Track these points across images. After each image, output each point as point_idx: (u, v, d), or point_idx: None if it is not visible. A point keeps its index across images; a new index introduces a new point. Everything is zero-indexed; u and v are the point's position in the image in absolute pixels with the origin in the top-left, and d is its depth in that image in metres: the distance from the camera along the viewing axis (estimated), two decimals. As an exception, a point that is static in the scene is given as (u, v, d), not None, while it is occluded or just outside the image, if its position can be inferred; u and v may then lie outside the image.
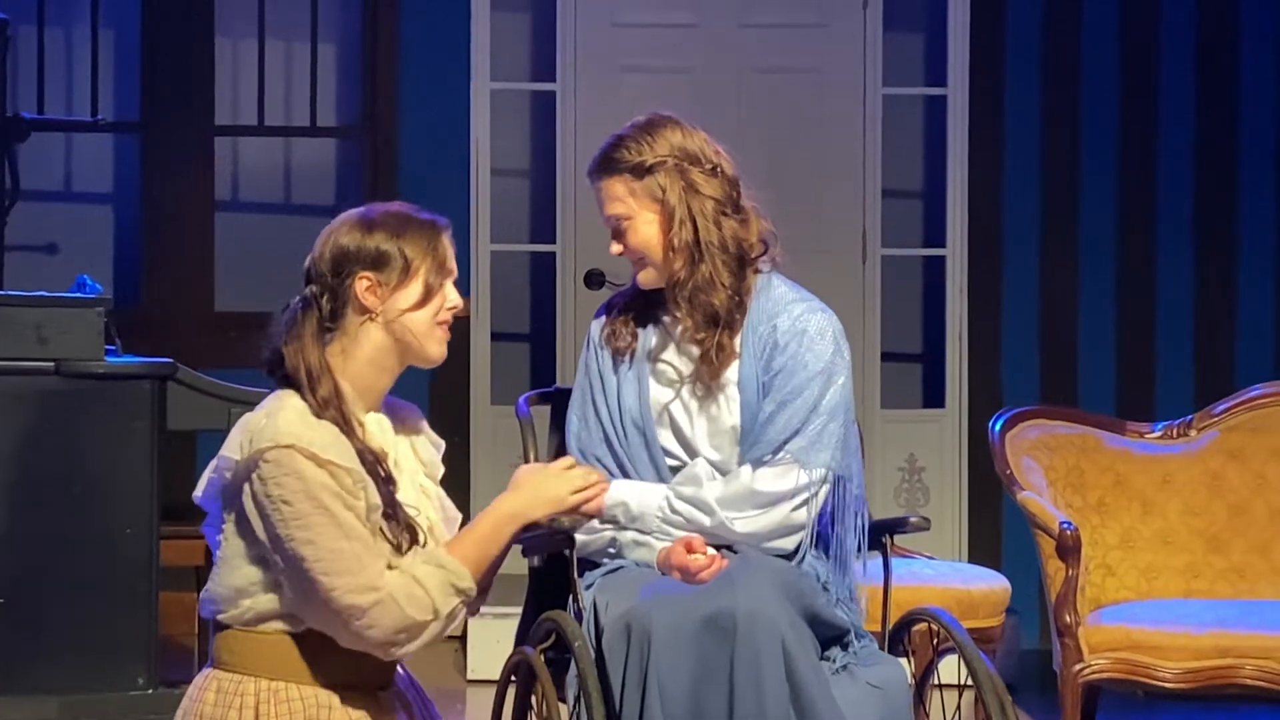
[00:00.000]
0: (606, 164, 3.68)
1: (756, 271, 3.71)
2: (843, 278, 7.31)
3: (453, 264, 3.27)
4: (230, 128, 7.52)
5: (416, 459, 3.32)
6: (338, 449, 3.13)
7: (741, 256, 3.67)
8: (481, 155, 7.41)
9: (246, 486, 3.12)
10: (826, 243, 7.30)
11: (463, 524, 3.38)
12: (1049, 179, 7.45)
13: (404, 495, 3.24)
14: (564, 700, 3.53)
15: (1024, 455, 5.57)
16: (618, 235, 3.69)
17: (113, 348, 5.22)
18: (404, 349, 3.23)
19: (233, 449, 3.15)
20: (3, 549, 5.01)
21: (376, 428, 3.25)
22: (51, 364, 5.07)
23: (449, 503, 3.37)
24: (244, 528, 3.13)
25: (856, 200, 7.43)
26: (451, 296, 3.26)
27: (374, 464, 3.18)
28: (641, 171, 3.65)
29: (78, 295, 5.19)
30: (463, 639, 6.84)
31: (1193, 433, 5.72)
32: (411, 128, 7.43)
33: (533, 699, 3.56)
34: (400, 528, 3.18)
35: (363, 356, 3.22)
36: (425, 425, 3.39)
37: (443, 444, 3.40)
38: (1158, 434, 5.74)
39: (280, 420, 3.13)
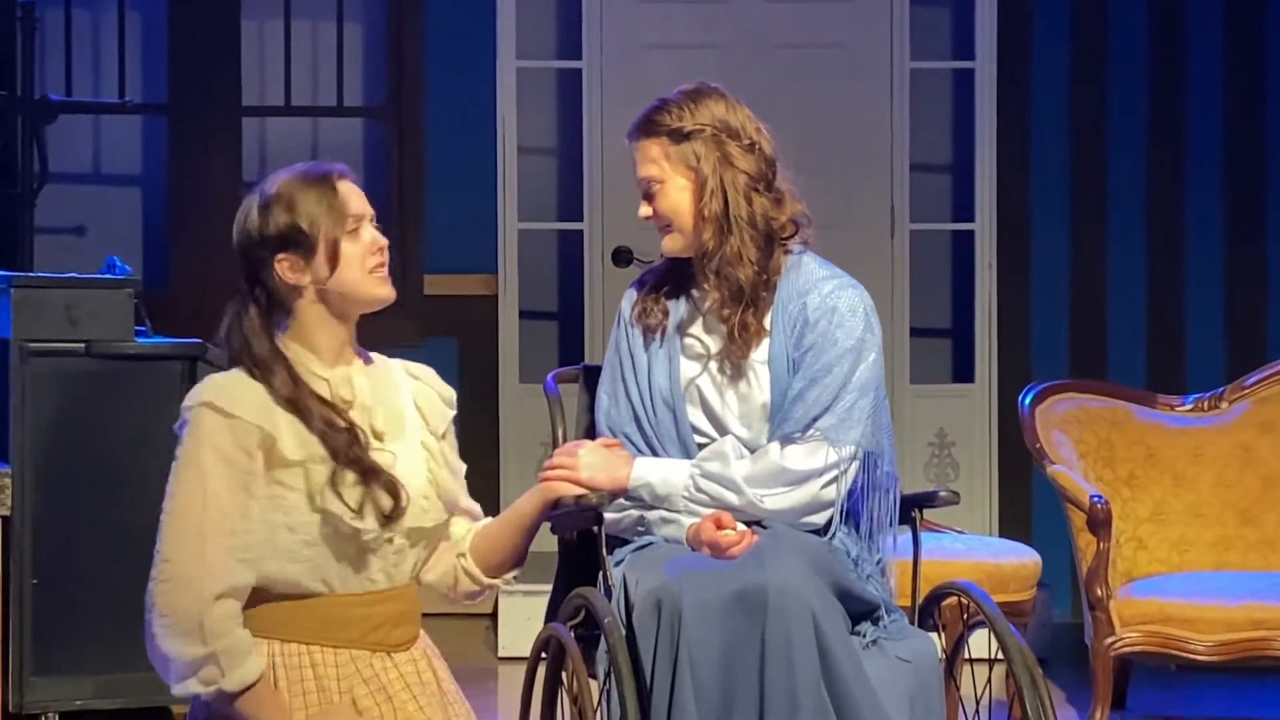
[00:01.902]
0: (646, 125, 3.70)
1: (786, 252, 3.70)
2: (871, 253, 7.30)
3: (356, 206, 3.21)
4: (257, 108, 7.53)
5: (420, 415, 3.31)
6: (253, 406, 3.11)
7: (770, 234, 3.67)
8: (508, 134, 7.40)
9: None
10: (854, 218, 7.29)
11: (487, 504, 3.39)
12: (1077, 152, 7.43)
13: (394, 449, 3.22)
14: (594, 676, 3.53)
15: (1054, 429, 5.56)
16: (648, 197, 3.70)
17: (142, 329, 5.23)
18: (346, 304, 3.20)
19: (179, 423, 3.17)
20: (35, 530, 5.03)
21: (342, 380, 3.22)
22: (82, 345, 5.08)
23: (455, 457, 3.35)
24: None
25: (884, 175, 7.41)
26: (368, 238, 3.20)
27: (331, 427, 3.14)
28: (679, 137, 3.66)
29: (107, 277, 5.21)
30: (493, 616, 6.85)
31: (1224, 405, 5.71)
32: (438, 107, 7.43)
33: (563, 676, 3.57)
34: (378, 486, 3.14)
35: (311, 325, 3.20)
36: (435, 380, 3.36)
37: (452, 395, 3.37)
38: (1188, 407, 5.72)
39: (205, 383, 3.14)
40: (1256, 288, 7.42)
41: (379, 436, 3.20)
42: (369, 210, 3.23)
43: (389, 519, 3.15)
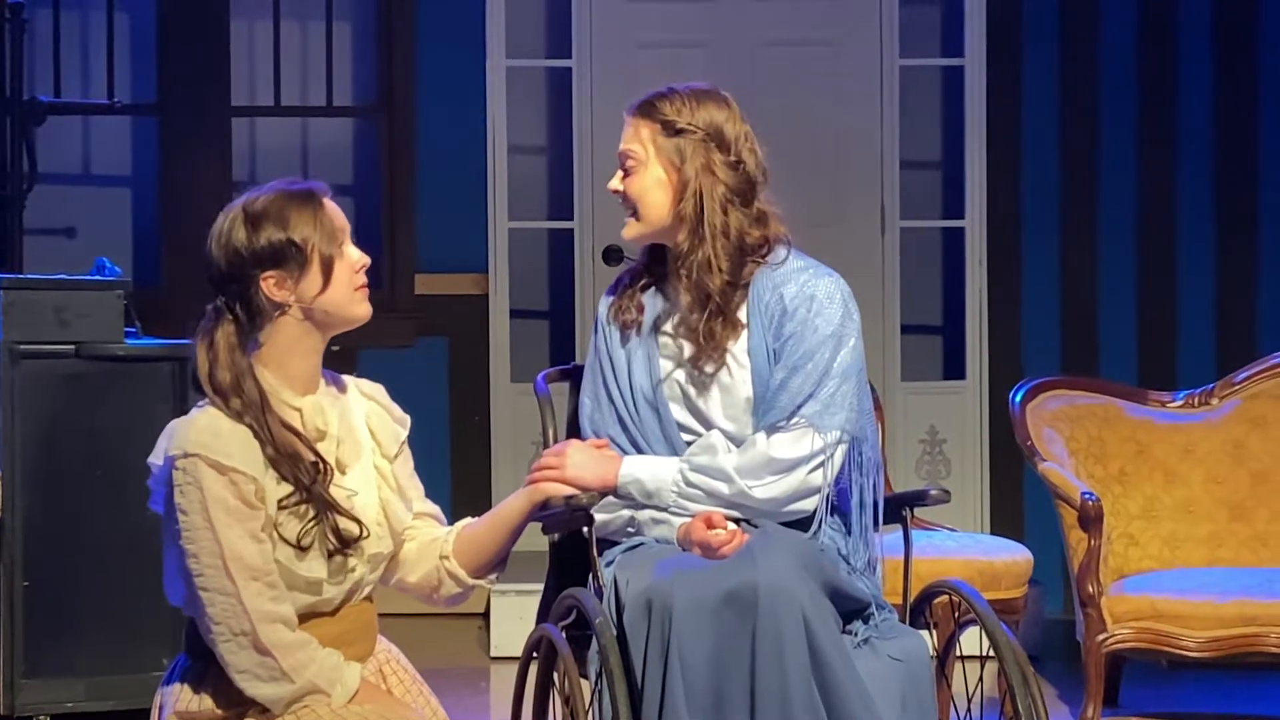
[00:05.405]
0: (646, 107, 3.72)
1: (758, 264, 3.70)
2: (861, 250, 7.30)
3: (342, 223, 3.23)
4: (247, 108, 7.52)
5: (374, 440, 3.32)
6: (244, 456, 3.12)
7: (743, 248, 3.68)
8: (498, 132, 7.40)
9: (165, 491, 3.15)
10: (845, 215, 7.29)
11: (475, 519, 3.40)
12: (1068, 149, 7.43)
13: (352, 478, 3.23)
14: (586, 677, 3.53)
15: (1045, 426, 5.56)
16: (624, 171, 3.71)
17: (132, 330, 5.23)
18: (326, 326, 3.21)
19: (156, 455, 3.17)
20: (26, 533, 5.02)
21: (315, 410, 3.23)
22: (72, 347, 5.08)
23: (409, 481, 3.35)
24: (169, 530, 3.17)
25: (874, 172, 7.42)
26: (354, 256, 3.22)
27: (296, 459, 3.14)
28: (671, 130, 3.67)
29: (97, 278, 5.20)
30: (485, 616, 6.85)
31: (1214, 401, 5.71)
32: (428, 106, 7.43)
33: (555, 676, 3.56)
34: (337, 526, 3.15)
35: (286, 347, 3.20)
36: (388, 400, 3.37)
37: (405, 417, 3.37)
38: (1179, 403, 5.73)
39: (192, 427, 3.13)
40: (1247, 284, 7.43)
41: (342, 469, 3.22)
42: (348, 226, 3.25)
43: (343, 549, 3.16)
